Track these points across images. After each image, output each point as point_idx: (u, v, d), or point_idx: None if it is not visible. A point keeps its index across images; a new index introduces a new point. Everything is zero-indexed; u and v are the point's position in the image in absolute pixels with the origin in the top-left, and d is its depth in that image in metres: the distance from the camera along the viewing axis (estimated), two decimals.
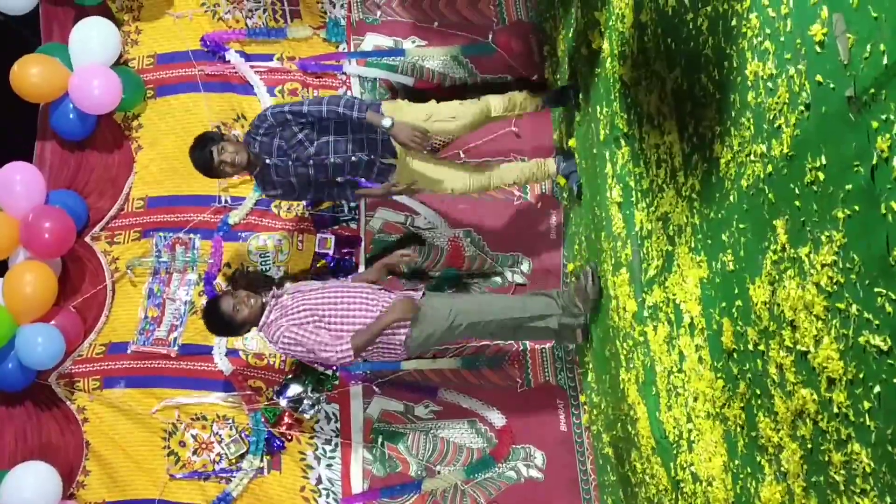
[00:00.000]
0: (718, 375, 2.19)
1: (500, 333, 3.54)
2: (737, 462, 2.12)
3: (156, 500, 3.91)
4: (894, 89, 1.32)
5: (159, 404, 3.99)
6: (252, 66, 4.20)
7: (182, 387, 4.01)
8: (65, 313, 3.97)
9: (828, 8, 1.50)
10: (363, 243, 4.09)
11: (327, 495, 3.87)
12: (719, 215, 2.11)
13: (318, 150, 3.28)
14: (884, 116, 1.35)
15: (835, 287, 1.55)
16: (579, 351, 3.79)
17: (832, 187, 1.53)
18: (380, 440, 3.89)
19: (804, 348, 1.68)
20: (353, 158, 3.32)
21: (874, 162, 1.38)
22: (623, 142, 2.90)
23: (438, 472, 3.85)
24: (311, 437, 3.91)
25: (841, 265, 1.52)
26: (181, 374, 4.02)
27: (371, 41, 4.26)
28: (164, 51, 4.29)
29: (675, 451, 2.55)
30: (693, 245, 2.32)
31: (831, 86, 1.51)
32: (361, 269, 3.98)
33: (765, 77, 1.78)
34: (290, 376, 3.90)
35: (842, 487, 1.59)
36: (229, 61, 4.20)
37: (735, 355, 2.07)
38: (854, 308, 1.49)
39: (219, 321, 3.24)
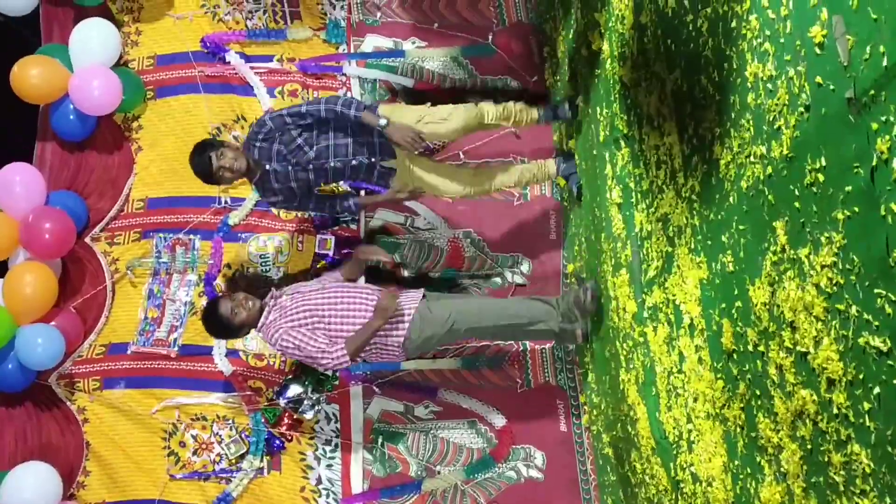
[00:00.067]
0: (718, 376, 2.20)
1: (500, 335, 3.56)
2: (736, 462, 2.13)
3: (156, 500, 3.91)
4: (894, 91, 1.32)
5: (159, 405, 3.98)
6: (252, 68, 4.20)
7: (182, 387, 4.01)
8: (65, 314, 3.97)
9: (827, 10, 1.50)
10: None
11: (327, 495, 3.87)
12: (719, 216, 2.11)
13: (318, 155, 3.28)
14: (883, 118, 1.35)
15: (834, 288, 1.55)
16: (579, 351, 3.79)
17: (832, 189, 1.54)
18: (380, 440, 3.89)
19: (804, 349, 1.69)
20: (354, 162, 3.32)
21: (874, 163, 1.39)
22: (623, 143, 2.90)
23: (438, 473, 3.85)
24: (311, 438, 3.91)
25: (841, 266, 1.52)
26: (181, 374, 4.02)
27: (371, 42, 4.26)
28: (164, 52, 4.28)
29: (674, 452, 2.55)
30: (693, 246, 2.32)
31: (831, 87, 1.51)
32: None
33: (764, 78, 1.78)
34: (289, 377, 3.90)
35: (841, 488, 1.59)
36: (229, 62, 4.20)
37: (735, 356, 2.07)
38: (854, 309, 1.49)
39: (217, 324, 3.26)
